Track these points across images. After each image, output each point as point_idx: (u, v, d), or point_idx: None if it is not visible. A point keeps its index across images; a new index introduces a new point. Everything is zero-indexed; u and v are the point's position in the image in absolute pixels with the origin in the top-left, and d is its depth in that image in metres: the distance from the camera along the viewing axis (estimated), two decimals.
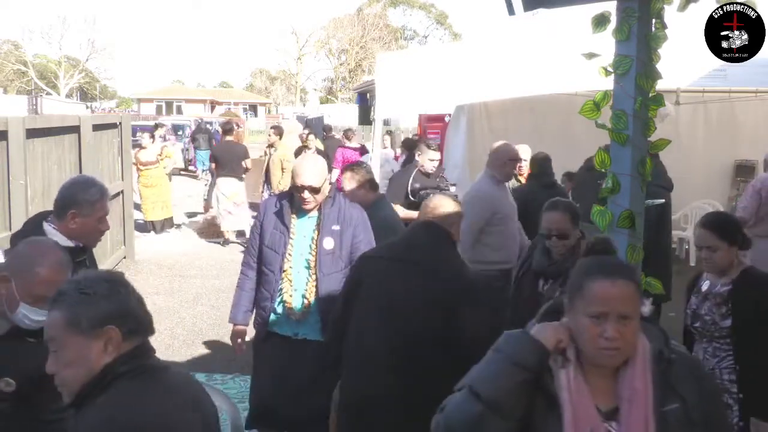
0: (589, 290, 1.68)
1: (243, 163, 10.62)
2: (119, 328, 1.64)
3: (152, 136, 12.08)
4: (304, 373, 3.53)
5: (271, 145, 10.52)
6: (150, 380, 1.65)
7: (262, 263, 3.64)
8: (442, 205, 3.03)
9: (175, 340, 6.24)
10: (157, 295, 7.68)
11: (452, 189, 5.99)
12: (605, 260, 1.81)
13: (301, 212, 3.56)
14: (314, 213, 3.56)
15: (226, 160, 10.57)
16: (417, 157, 6.26)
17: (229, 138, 11.14)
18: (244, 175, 10.73)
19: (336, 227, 3.52)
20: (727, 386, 3.01)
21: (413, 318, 2.81)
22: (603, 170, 2.30)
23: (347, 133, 12.16)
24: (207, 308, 7.17)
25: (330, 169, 11.43)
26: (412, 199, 5.98)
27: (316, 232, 3.53)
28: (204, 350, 6.05)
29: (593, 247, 1.92)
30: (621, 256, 2.22)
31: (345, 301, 3.05)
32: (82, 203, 2.90)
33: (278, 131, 10.83)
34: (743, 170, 9.70)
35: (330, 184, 3.72)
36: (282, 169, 10.14)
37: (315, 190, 3.47)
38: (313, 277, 3.52)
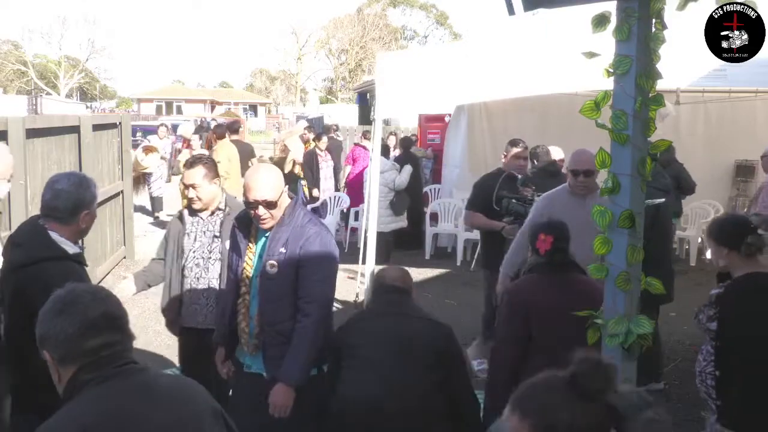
0: None
1: (249, 162, 10.57)
2: (49, 353, 1.69)
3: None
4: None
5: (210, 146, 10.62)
6: (104, 389, 1.63)
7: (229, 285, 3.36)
8: (401, 275, 3.36)
9: (175, 341, 6.22)
10: (157, 295, 7.64)
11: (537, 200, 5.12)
12: (521, 387, 1.41)
13: (261, 231, 3.14)
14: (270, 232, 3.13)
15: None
16: (502, 159, 5.64)
17: (235, 137, 11.11)
18: None
19: (282, 249, 3.04)
20: (711, 392, 2.96)
21: (416, 365, 3.02)
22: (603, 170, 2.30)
23: (365, 134, 12.14)
24: None
25: (339, 168, 11.36)
26: (496, 208, 5.29)
27: (265, 252, 3.11)
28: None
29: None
30: (621, 256, 2.22)
31: (337, 364, 3.13)
32: (90, 201, 2.94)
33: (217, 132, 10.85)
34: (743, 170, 9.70)
35: (286, 195, 3.16)
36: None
37: (270, 205, 3.01)
38: (259, 305, 3.13)
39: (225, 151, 10.05)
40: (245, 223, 3.21)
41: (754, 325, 2.88)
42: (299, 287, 3.03)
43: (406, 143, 10.86)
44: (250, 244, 3.17)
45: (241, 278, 3.18)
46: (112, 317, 1.71)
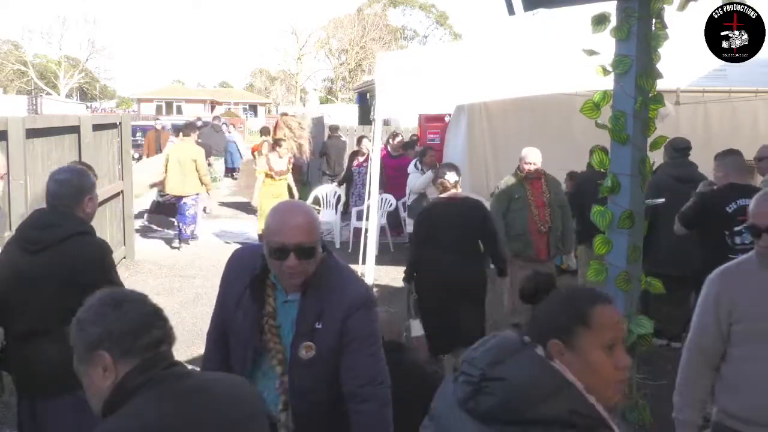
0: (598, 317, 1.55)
1: (206, 160, 10.90)
2: (108, 351, 1.61)
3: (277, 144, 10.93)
4: None
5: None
6: (162, 391, 1.60)
7: (228, 356, 2.44)
8: (386, 322, 2.74)
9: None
10: (157, 295, 7.67)
11: None
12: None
13: (279, 294, 2.29)
14: (296, 294, 2.26)
15: None
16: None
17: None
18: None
19: (318, 325, 2.24)
20: None
21: None
22: (602, 170, 2.30)
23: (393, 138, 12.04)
24: (207, 308, 7.14)
25: (341, 169, 11.21)
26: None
27: (294, 330, 2.27)
28: (204, 350, 6.04)
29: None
30: (621, 256, 2.22)
31: None
32: (91, 187, 3.26)
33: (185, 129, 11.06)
34: None
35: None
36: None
37: (307, 252, 2.17)
38: (283, 399, 2.29)
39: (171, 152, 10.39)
40: (247, 279, 2.30)
41: (425, 227, 5.16)
42: (347, 368, 2.26)
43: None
44: (271, 305, 2.28)
45: (252, 353, 2.31)
46: (160, 313, 1.71)
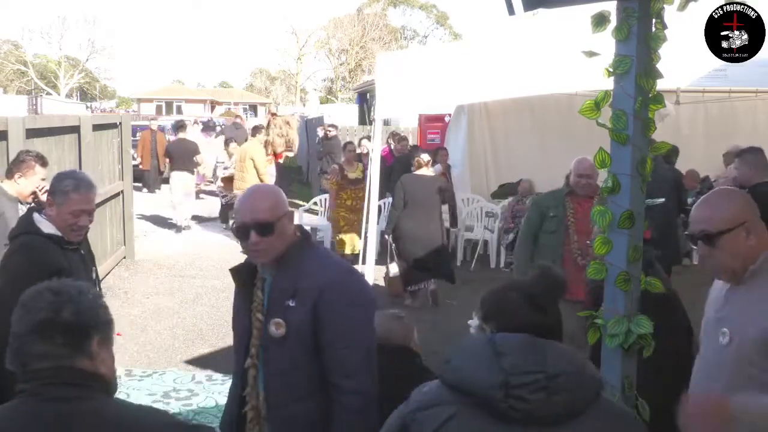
0: None
1: (194, 158, 11.61)
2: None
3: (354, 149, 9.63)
4: None
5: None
6: (19, 405, 1.44)
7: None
8: (401, 328, 2.77)
9: (175, 340, 6.24)
10: (157, 295, 7.69)
11: None
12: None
13: (268, 281, 2.35)
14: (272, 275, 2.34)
15: (179, 155, 11.63)
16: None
17: (181, 135, 12.24)
18: (195, 169, 11.97)
19: (290, 303, 2.24)
20: None
21: None
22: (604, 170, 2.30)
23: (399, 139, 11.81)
24: (207, 308, 7.16)
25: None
26: None
27: (267, 306, 2.32)
28: (204, 350, 6.05)
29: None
30: (621, 256, 2.22)
31: None
32: (55, 191, 3.08)
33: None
34: None
35: (289, 225, 2.36)
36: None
37: (265, 229, 2.24)
38: (252, 373, 2.32)
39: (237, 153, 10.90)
40: (246, 274, 2.39)
41: (400, 192, 7.17)
42: (324, 357, 2.23)
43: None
44: (258, 293, 2.34)
45: (248, 343, 2.34)
46: (64, 326, 1.43)
